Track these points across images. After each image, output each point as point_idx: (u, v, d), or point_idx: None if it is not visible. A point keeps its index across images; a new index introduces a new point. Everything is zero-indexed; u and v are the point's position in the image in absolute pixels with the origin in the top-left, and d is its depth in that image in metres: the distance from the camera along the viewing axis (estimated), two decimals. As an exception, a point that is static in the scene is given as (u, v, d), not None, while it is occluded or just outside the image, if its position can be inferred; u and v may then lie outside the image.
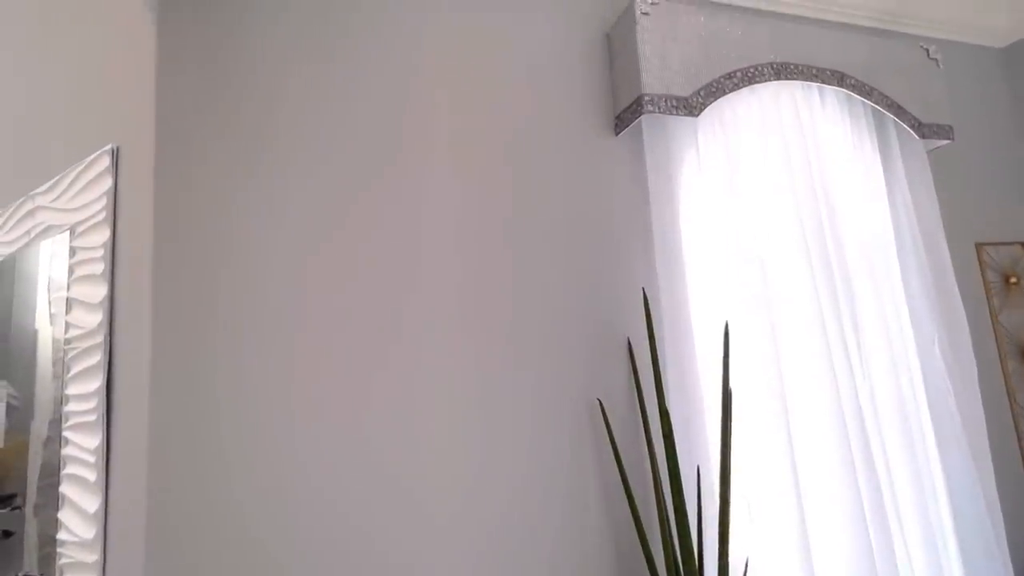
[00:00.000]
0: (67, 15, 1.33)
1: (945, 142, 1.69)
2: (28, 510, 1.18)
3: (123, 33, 1.15)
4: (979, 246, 1.85)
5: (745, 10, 1.63)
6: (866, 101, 1.60)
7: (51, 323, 1.19)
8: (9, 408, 1.30)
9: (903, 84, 1.63)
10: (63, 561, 1.05)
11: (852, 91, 1.57)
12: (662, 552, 1.14)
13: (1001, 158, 1.96)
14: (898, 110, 1.62)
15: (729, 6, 1.61)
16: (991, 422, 1.69)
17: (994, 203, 1.91)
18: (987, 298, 1.83)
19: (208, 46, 1.09)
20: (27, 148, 1.38)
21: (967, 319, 1.63)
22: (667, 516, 1.13)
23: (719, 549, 1.11)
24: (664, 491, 1.16)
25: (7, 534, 1.24)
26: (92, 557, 0.98)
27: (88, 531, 0.99)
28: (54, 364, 1.16)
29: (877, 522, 1.33)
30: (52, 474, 1.13)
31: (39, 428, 1.19)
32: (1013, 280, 1.86)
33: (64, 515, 1.06)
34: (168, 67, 1.05)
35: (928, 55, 1.70)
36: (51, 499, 1.11)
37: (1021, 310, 1.85)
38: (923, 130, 1.65)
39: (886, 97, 1.61)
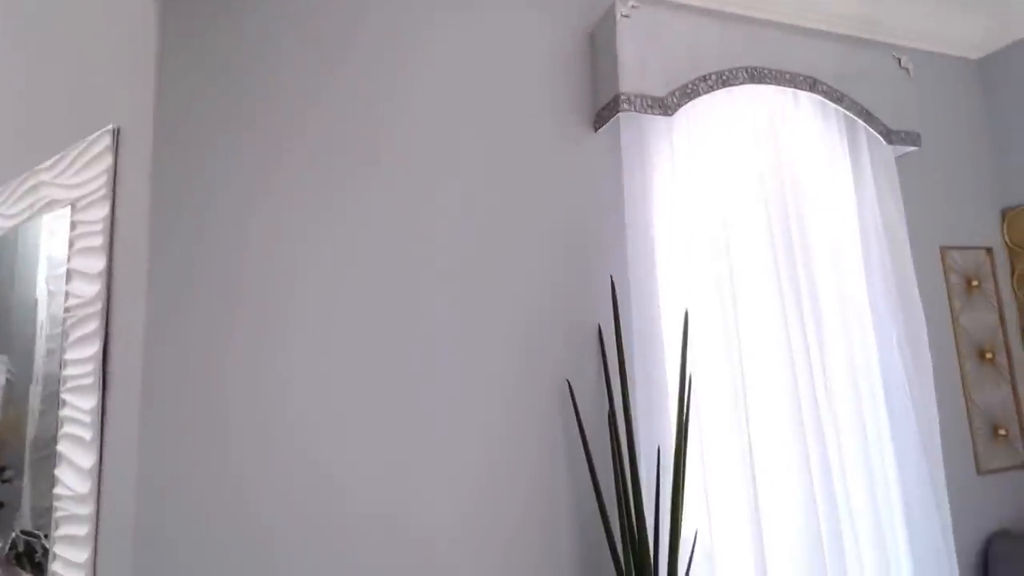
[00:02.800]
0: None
1: (913, 148, 1.77)
2: (25, 479, 1.24)
3: (125, 17, 1.21)
4: (943, 249, 1.93)
5: (722, 15, 1.69)
6: (837, 107, 1.67)
7: (50, 293, 1.26)
8: (7, 383, 1.37)
9: (874, 91, 1.71)
10: (59, 514, 1.12)
11: (823, 96, 1.65)
12: (619, 521, 1.22)
13: (970, 165, 2.04)
14: (868, 116, 1.70)
15: (707, 11, 1.67)
16: (948, 419, 1.78)
17: (960, 208, 1.99)
18: (949, 300, 1.91)
19: (208, 31, 1.15)
20: (31, 127, 1.44)
21: (927, 319, 1.71)
22: (625, 489, 1.22)
23: (671, 521, 1.20)
24: (624, 466, 1.24)
25: (0, 504, 1.31)
26: (86, 510, 1.06)
27: (83, 486, 1.07)
28: (52, 332, 1.23)
29: (827, 507, 1.41)
30: (45, 445, 1.19)
31: (35, 398, 1.26)
32: (975, 283, 1.94)
33: (61, 471, 1.13)
34: (169, 51, 1.11)
35: (900, 64, 1.77)
36: (45, 470, 1.18)
37: (981, 312, 1.94)
38: (891, 136, 1.72)
39: (856, 103, 1.68)
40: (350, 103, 1.26)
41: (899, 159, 1.80)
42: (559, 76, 1.49)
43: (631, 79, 1.40)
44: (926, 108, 1.96)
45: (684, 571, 1.21)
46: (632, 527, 1.19)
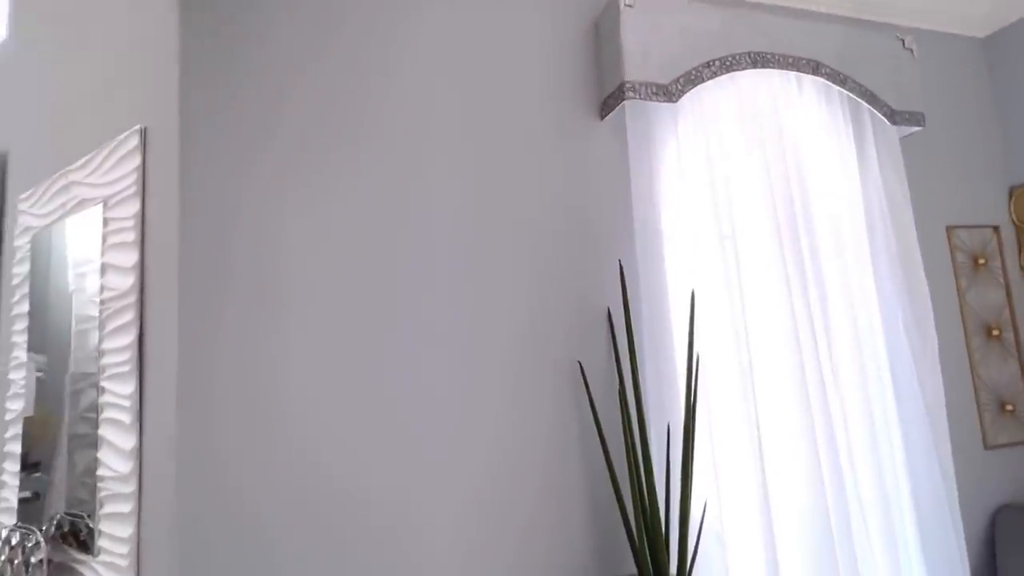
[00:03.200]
0: (98, 5, 1.44)
1: (918, 128, 1.78)
2: (61, 468, 1.30)
3: (150, 22, 1.26)
4: (949, 229, 1.95)
5: (724, 2, 1.71)
6: (841, 89, 1.69)
7: (83, 288, 1.32)
8: (38, 380, 1.44)
9: (877, 72, 1.72)
10: (103, 494, 1.19)
11: (827, 79, 1.66)
12: (631, 497, 1.27)
13: (976, 144, 2.05)
14: (871, 98, 1.71)
15: (710, -2, 1.69)
16: (955, 395, 1.81)
17: (967, 187, 2.00)
18: (955, 278, 1.93)
19: (229, 34, 1.20)
20: (61, 129, 1.50)
21: (934, 297, 1.73)
22: (637, 465, 1.27)
23: (681, 495, 1.25)
24: (635, 443, 1.29)
25: (36, 495, 1.39)
26: (129, 488, 1.13)
27: (125, 466, 1.14)
28: (82, 328, 1.30)
29: (834, 483, 1.45)
30: (80, 434, 1.26)
31: (68, 388, 1.32)
32: (982, 261, 1.96)
33: (103, 454, 1.21)
34: (192, 52, 1.16)
35: (903, 45, 1.78)
36: (79, 458, 1.24)
37: (987, 289, 1.96)
38: (895, 117, 1.74)
39: (860, 85, 1.70)
40: (361, 100, 1.30)
41: (905, 139, 1.81)
42: (565, 66, 1.52)
43: (635, 67, 1.44)
44: (931, 88, 1.97)
45: (694, 543, 1.26)
46: (644, 502, 1.24)
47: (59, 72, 1.57)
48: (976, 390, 1.88)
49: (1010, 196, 2.05)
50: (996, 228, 2.01)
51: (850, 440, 1.54)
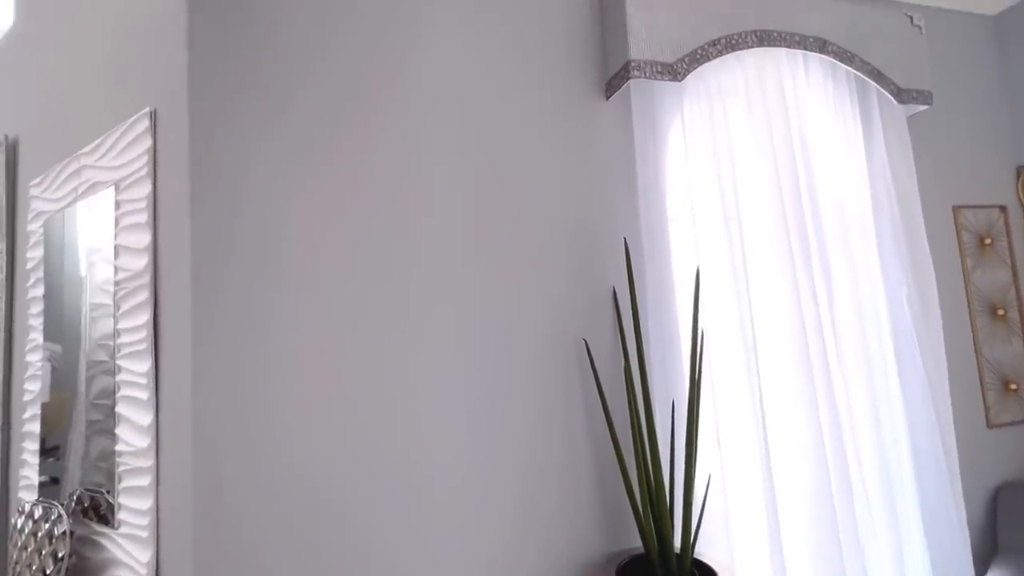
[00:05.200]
0: (101, -11, 1.45)
1: (925, 107, 1.77)
2: (77, 450, 1.34)
3: (158, 5, 1.27)
4: (956, 208, 1.94)
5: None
6: (848, 67, 1.68)
7: (96, 270, 1.34)
8: (52, 368, 1.47)
9: (885, 50, 1.71)
10: (121, 469, 1.23)
11: (834, 57, 1.65)
12: (636, 473, 1.29)
13: (985, 123, 2.03)
14: (878, 76, 1.70)
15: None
16: (959, 374, 1.82)
17: (974, 166, 1.99)
18: (961, 258, 1.93)
19: (238, 17, 1.21)
20: (71, 113, 1.52)
21: (939, 278, 1.74)
22: (642, 439, 1.29)
23: (685, 468, 1.27)
24: (640, 418, 1.31)
25: (55, 480, 1.43)
26: (147, 463, 1.16)
27: (143, 441, 1.17)
28: (94, 308, 1.32)
29: (837, 459, 1.47)
30: (96, 415, 1.29)
31: (83, 370, 1.35)
32: (988, 241, 1.95)
33: (121, 430, 1.24)
34: (201, 34, 1.17)
35: (912, 22, 1.77)
36: (95, 442, 1.27)
37: (993, 269, 1.96)
38: (903, 95, 1.73)
39: (867, 63, 1.68)
40: (372, 79, 1.31)
41: (913, 118, 1.80)
42: (571, 46, 1.52)
43: (640, 46, 1.43)
44: (941, 66, 1.95)
45: (698, 514, 1.29)
46: (649, 478, 1.26)
47: (67, 56, 1.58)
48: (980, 369, 1.89)
49: (1017, 176, 2.04)
50: (1003, 208, 2.00)
51: (853, 419, 1.56)
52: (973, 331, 1.90)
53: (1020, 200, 2.03)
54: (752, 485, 1.40)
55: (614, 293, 1.45)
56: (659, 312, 1.41)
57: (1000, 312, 1.92)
